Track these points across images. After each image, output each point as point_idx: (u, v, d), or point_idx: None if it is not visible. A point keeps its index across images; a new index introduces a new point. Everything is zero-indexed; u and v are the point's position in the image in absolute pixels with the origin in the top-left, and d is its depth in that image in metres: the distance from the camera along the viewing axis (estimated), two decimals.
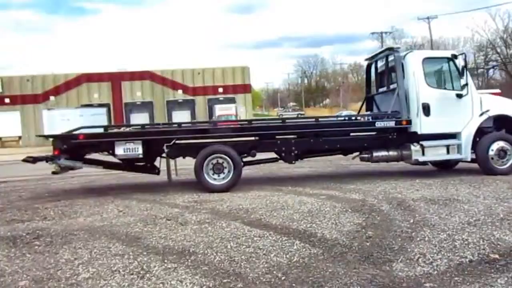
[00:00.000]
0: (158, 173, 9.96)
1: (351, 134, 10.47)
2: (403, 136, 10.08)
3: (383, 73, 11.13)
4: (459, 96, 9.90)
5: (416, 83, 9.90)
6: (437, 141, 9.96)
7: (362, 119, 11.29)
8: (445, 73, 10.27)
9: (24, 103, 42.84)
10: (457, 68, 9.95)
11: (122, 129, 10.45)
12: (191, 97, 43.63)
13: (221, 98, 43.07)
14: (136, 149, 9.12)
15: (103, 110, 41.38)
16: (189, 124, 11.71)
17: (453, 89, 10.00)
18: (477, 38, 60.36)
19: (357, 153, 10.58)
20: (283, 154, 10.15)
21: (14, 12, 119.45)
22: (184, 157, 9.72)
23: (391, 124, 9.93)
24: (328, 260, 4.80)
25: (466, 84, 9.75)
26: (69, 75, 43.52)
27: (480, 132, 10.25)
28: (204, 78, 44.13)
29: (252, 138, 10.06)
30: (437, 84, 10.22)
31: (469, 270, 4.36)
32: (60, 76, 43.43)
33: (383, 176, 10.62)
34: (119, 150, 9.09)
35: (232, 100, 42.65)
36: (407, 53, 10.24)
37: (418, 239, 5.42)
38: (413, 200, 7.58)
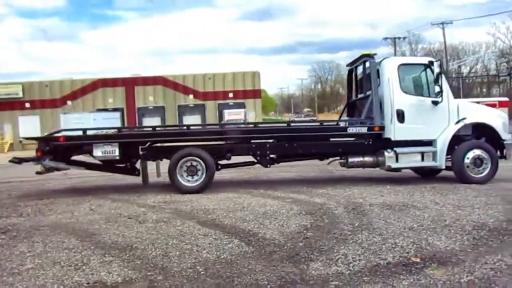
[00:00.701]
0: (138, 175, 10.23)
1: (331, 139, 10.55)
2: (378, 142, 10.15)
3: (362, 79, 11.24)
4: (435, 103, 9.93)
5: (391, 89, 9.98)
6: (412, 148, 10.01)
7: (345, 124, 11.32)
8: (422, 80, 10.30)
9: (43, 107, 43.80)
10: (433, 75, 9.98)
11: (101, 132, 10.72)
12: (202, 102, 44.01)
13: (231, 103, 43.35)
14: (113, 151, 9.43)
15: (117, 114, 42.00)
16: (163, 128, 11.91)
17: (429, 96, 10.02)
18: (500, 44, 59.25)
19: (332, 159, 10.67)
20: (258, 158, 10.33)
21: (41, 21, 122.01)
22: (161, 160, 9.96)
23: (363, 130, 10.03)
24: (254, 258, 5.00)
25: (441, 91, 9.79)
26: (86, 80, 44.36)
27: (459, 140, 10.25)
28: (214, 83, 44.51)
29: (227, 141, 10.24)
30: (413, 91, 10.25)
31: (382, 271, 4.50)
32: (77, 82, 44.34)
33: (359, 181, 10.71)
34: (97, 152, 9.41)
35: (242, 105, 42.87)
36: (382, 60, 10.34)
37: (351, 241, 5.57)
38: (370, 205, 7.71)
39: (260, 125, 10.72)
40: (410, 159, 10.08)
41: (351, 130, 10.01)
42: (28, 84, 44.20)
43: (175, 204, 8.34)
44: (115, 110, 42.88)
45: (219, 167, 10.11)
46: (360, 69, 11.31)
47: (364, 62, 10.64)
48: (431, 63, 10.03)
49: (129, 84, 44.37)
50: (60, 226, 6.94)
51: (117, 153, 9.41)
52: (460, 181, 9.96)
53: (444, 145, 9.96)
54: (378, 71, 10.27)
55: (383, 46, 53.42)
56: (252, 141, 10.19)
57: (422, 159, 10.06)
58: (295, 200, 8.43)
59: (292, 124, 10.75)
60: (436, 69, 9.72)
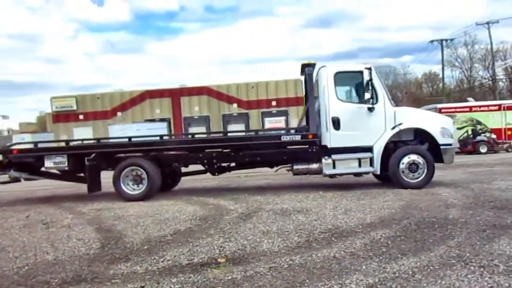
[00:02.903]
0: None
1: (288, 147, 10.80)
2: (320, 150, 10.37)
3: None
4: (371, 109, 10.03)
5: (326, 97, 10.19)
6: (348, 154, 10.16)
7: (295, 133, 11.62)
8: (359, 86, 10.40)
9: (95, 119, 46.41)
10: (372, 81, 10.08)
11: (50, 145, 11.67)
12: (245, 111, 44.86)
13: (274, 111, 43.83)
14: (63, 162, 10.34)
15: (164, 124, 43.80)
16: (107, 140, 12.67)
17: (365, 103, 10.11)
18: None
19: (281, 166, 11.00)
20: (207, 167, 10.89)
21: (110, 35, 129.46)
22: (107, 169, 10.74)
23: (297, 138, 10.31)
24: (89, 259, 5.62)
25: (371, 98, 9.88)
26: (134, 92, 46.62)
27: (405, 146, 10.28)
28: (258, 91, 45.29)
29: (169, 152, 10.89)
30: (349, 98, 10.40)
31: (173, 271, 4.96)
32: (126, 94, 46.69)
33: (303, 188, 10.96)
34: (49, 163, 10.38)
35: (285, 113, 43.27)
36: (320, 68, 10.55)
37: (186, 244, 6.06)
38: (267, 211, 8.09)
39: (197, 136, 11.17)
40: (347, 165, 10.22)
41: (284, 138, 10.31)
42: (81, 96, 47.12)
43: (102, 211, 9.09)
44: (162, 120, 44.73)
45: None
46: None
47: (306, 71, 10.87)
48: (368, 69, 10.10)
49: (175, 94, 46.15)
50: None
51: (66, 164, 10.30)
52: (397, 186, 9.97)
53: (380, 151, 10.01)
54: (317, 79, 10.50)
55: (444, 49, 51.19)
56: (208, 150, 10.67)
57: (360, 165, 10.16)
58: (214, 207, 8.91)
59: (228, 134, 11.12)
60: (366, 77, 9.83)
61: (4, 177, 11.27)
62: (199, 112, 46.34)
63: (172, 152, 10.83)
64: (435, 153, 10.10)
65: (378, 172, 10.12)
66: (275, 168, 11.09)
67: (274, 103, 45.24)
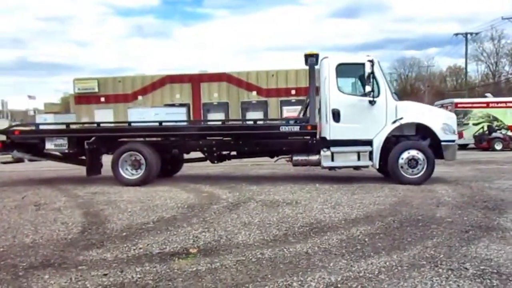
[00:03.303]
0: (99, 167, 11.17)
1: (289, 138, 10.69)
2: (319, 142, 10.26)
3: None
4: (372, 103, 9.85)
5: (327, 89, 10.05)
6: (347, 147, 10.02)
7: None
8: (361, 79, 10.22)
9: (116, 101, 46.91)
10: (374, 74, 9.91)
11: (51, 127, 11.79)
12: (264, 99, 44.78)
13: (293, 100, 43.61)
14: (64, 144, 10.45)
15: (184, 109, 44.04)
16: (108, 124, 12.70)
17: (366, 95, 9.94)
18: None
19: (281, 157, 10.92)
20: (206, 154, 10.88)
21: (137, 19, 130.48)
22: (108, 153, 10.79)
23: (296, 129, 10.20)
24: (63, 244, 5.68)
25: (373, 91, 9.70)
26: (155, 76, 46.99)
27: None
28: (277, 80, 45.09)
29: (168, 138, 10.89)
30: (350, 90, 10.23)
31: (141, 260, 4.96)
32: (147, 78, 47.05)
33: (302, 179, 10.88)
34: (49, 145, 10.50)
35: (303, 102, 43.04)
36: (322, 59, 10.39)
37: (165, 233, 6.07)
38: (256, 201, 8.06)
39: (195, 124, 11.11)
40: (346, 158, 10.09)
41: (283, 129, 10.21)
42: (103, 79, 47.65)
43: (96, 195, 9.17)
44: (181, 105, 44.97)
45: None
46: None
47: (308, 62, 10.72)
48: (371, 62, 9.91)
49: (195, 80, 46.32)
50: None
51: (66, 146, 10.40)
52: (396, 181, 9.81)
53: (379, 144, 9.85)
54: (319, 70, 10.35)
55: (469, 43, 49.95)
56: (208, 138, 10.67)
57: (359, 159, 10.02)
58: (207, 195, 8.91)
59: (227, 123, 11.06)
60: (368, 69, 9.65)
61: (8, 157, 11.40)
62: (218, 98, 46.42)
63: (172, 139, 10.80)
64: (438, 149, 9.86)
65: (377, 167, 9.97)
66: (275, 158, 10.99)
67: (293, 91, 45.01)
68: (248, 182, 10.60)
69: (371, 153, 9.95)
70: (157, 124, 11.34)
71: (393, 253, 5.00)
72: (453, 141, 9.98)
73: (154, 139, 10.73)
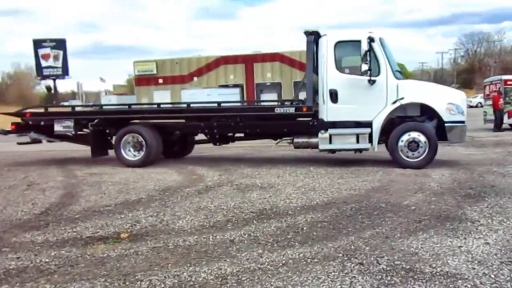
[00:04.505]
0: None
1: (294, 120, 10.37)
2: (320, 124, 9.88)
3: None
4: (371, 82, 9.35)
5: (325, 68, 9.62)
6: (345, 129, 9.60)
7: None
8: (360, 57, 9.62)
9: (173, 83, 47.90)
10: (374, 52, 9.39)
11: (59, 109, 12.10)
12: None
13: None
14: (70, 126, 10.77)
15: (237, 90, 44.25)
16: (112, 106, 12.80)
17: (364, 74, 9.40)
18: None
19: (284, 139, 10.65)
20: (208, 136, 10.86)
21: (203, 0, 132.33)
22: (111, 136, 10.95)
23: (291, 110, 9.88)
24: (6, 221, 5.89)
25: (370, 70, 9.17)
26: (210, 57, 47.39)
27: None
28: None
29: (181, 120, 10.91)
30: (349, 69, 9.69)
31: (63, 244, 5.04)
32: (202, 59, 47.56)
33: (303, 162, 10.55)
34: (57, 127, 10.84)
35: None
36: (321, 36, 9.93)
37: (113, 216, 6.12)
38: (233, 184, 7.97)
39: (192, 106, 11.02)
40: (344, 141, 9.68)
41: (278, 110, 9.93)
42: (161, 61, 48.68)
43: (91, 176, 9.40)
44: (235, 86, 45.18)
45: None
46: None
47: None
48: (371, 39, 9.38)
49: (249, 60, 46.22)
50: None
51: (73, 128, 10.71)
52: (397, 165, 9.30)
53: (379, 126, 9.36)
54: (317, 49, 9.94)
55: None
56: (208, 120, 10.53)
57: (357, 141, 9.57)
58: (195, 178, 8.88)
59: (222, 104, 10.87)
60: (364, 47, 9.13)
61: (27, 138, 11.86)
62: (272, 78, 46.15)
63: (171, 121, 10.84)
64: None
65: (375, 150, 9.47)
66: (278, 141, 10.75)
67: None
68: (249, 164, 10.40)
69: (370, 135, 9.45)
70: (155, 106, 11.39)
71: (316, 244, 4.77)
72: (461, 122, 9.26)
73: (153, 121, 10.80)
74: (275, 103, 10.39)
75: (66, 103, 35.86)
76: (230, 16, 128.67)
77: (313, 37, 9.92)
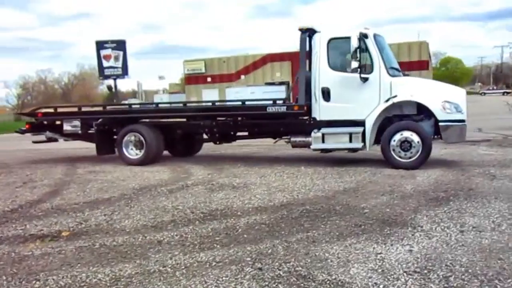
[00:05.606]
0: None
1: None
2: (316, 123, 9.70)
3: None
4: (363, 79, 9.07)
5: (318, 65, 9.42)
6: (338, 128, 9.37)
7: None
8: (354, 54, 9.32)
9: (221, 81, 48.50)
10: (367, 49, 9.11)
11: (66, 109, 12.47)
12: None
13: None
14: (78, 125, 11.18)
15: (283, 87, 44.15)
16: (114, 107, 12.97)
17: (357, 72, 9.11)
18: None
19: (284, 138, 10.52)
20: (208, 135, 10.94)
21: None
22: (115, 134, 11.24)
23: (283, 109, 9.74)
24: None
25: (360, 68, 8.89)
26: (257, 55, 47.55)
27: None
28: None
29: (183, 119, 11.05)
30: (341, 67, 9.40)
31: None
32: (249, 57, 47.83)
33: (299, 162, 10.38)
34: (66, 126, 11.28)
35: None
36: (315, 33, 9.72)
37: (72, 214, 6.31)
38: (209, 184, 7.97)
39: (189, 105, 11.08)
40: (337, 140, 9.44)
41: (270, 109, 9.81)
42: (209, 60, 49.36)
43: (90, 174, 9.74)
44: (281, 83, 45.05)
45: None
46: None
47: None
48: (364, 36, 9.10)
49: (295, 58, 45.76)
50: None
51: (80, 127, 11.11)
52: (390, 165, 8.97)
53: (371, 125, 9.07)
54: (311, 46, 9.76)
55: None
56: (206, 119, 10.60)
57: (350, 140, 9.32)
58: (184, 177, 8.96)
59: (216, 104, 10.86)
60: (354, 44, 8.85)
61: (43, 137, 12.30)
62: None
63: (170, 120, 10.98)
64: None
65: (368, 149, 9.17)
66: (276, 140, 10.65)
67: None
68: (247, 163, 10.30)
69: (364, 134, 9.16)
70: (153, 106, 11.58)
71: (237, 247, 4.70)
72: (459, 121, 8.77)
73: (153, 120, 11.00)
74: (268, 102, 10.11)
75: (125, 102, 37.14)
76: (287, 14, 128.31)
77: (307, 34, 9.72)
